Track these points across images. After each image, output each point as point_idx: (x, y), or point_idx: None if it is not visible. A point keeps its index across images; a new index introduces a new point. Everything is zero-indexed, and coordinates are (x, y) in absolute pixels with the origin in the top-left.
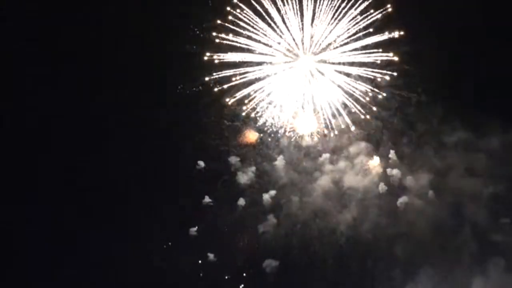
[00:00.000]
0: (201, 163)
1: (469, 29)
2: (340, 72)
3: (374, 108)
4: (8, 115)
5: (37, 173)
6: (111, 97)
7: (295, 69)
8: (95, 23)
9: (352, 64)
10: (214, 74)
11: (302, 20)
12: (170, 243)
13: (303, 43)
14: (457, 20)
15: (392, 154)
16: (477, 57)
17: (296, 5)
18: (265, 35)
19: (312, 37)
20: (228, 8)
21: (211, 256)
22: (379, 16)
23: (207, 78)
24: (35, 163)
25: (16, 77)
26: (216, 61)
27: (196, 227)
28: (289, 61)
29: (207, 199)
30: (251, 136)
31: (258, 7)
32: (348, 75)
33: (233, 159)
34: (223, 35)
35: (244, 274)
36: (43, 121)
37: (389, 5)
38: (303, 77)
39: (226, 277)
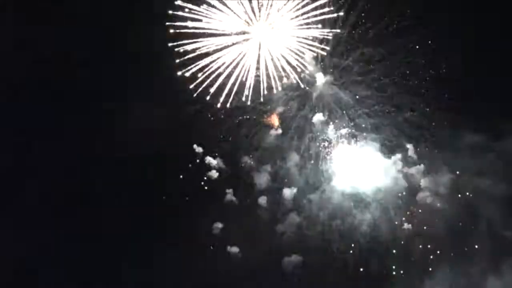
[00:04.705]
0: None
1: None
2: None
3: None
4: None
5: None
6: None
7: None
8: None
9: None
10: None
11: None
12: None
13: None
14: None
15: (411, 152)
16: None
17: None
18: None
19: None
20: None
21: (233, 250)
22: None
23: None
24: None
25: None
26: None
27: (220, 223)
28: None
29: (229, 196)
30: None
31: None
32: None
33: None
34: None
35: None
36: None
37: None
38: None
39: (247, 273)
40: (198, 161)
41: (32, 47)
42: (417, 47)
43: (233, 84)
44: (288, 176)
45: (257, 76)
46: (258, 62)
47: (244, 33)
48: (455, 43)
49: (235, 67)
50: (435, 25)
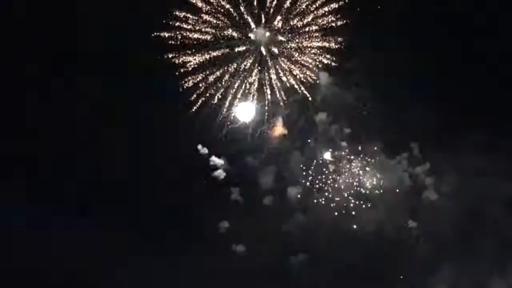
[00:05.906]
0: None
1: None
2: None
3: None
4: None
5: None
6: None
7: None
8: None
9: None
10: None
11: None
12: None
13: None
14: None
15: (415, 152)
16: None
17: None
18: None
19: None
20: None
21: (239, 249)
22: None
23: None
24: None
25: None
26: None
27: (226, 222)
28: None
29: (234, 196)
30: None
31: None
32: None
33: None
34: None
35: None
36: None
37: None
38: None
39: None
40: (203, 161)
41: None
42: (420, 48)
43: (235, 92)
44: (293, 176)
45: (260, 79)
46: (259, 69)
47: (242, 38)
48: (456, 43)
49: (236, 75)
50: (436, 25)
